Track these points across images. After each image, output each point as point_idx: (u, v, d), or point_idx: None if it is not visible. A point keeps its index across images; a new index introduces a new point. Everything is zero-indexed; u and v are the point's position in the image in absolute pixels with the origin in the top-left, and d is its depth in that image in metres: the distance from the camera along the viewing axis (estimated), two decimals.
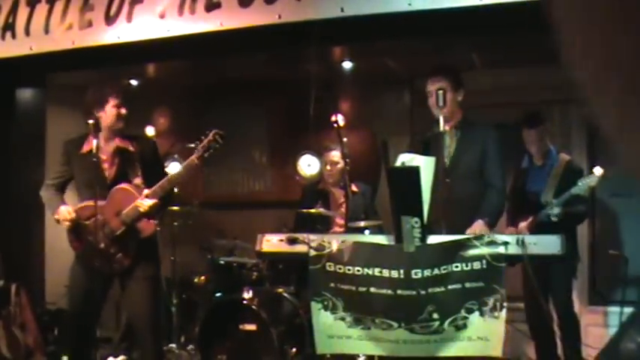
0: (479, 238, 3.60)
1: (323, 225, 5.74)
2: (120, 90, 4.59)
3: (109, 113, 4.50)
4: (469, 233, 3.94)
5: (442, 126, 4.14)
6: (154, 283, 4.64)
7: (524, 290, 5.31)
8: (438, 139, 4.20)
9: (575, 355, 5.20)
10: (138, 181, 4.51)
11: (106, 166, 4.53)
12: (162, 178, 4.50)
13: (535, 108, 5.69)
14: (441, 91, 4.14)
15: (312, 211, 5.66)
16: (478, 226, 4.04)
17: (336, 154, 5.81)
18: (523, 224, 5.25)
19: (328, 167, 6.00)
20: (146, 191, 4.41)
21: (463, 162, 4.36)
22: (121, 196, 4.46)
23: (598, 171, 4.97)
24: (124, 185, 4.47)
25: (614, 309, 5.86)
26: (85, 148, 4.53)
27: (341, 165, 5.73)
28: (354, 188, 5.53)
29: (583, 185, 4.99)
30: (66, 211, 4.48)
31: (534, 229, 5.14)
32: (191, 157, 4.42)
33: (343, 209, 5.85)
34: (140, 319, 4.62)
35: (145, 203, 4.38)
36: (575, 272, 5.54)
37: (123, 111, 4.52)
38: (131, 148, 4.57)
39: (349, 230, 5.14)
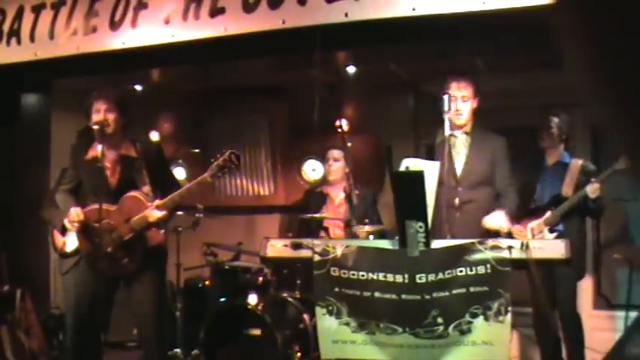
0: (483, 242, 3.60)
1: (320, 227, 5.75)
2: (103, 95, 4.57)
3: (92, 119, 4.52)
4: (488, 222, 4.05)
5: (450, 130, 4.20)
6: (159, 289, 4.67)
7: (531, 295, 5.30)
8: (447, 143, 4.24)
9: (580, 359, 5.19)
10: (146, 189, 4.53)
11: (109, 173, 4.56)
12: (169, 181, 4.53)
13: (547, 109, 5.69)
14: (465, 97, 4.39)
15: (317, 216, 5.67)
16: (498, 215, 4.12)
17: (337, 152, 5.86)
18: (538, 222, 5.24)
19: (330, 162, 6.02)
20: (157, 202, 4.43)
21: (474, 168, 4.45)
22: (132, 203, 4.49)
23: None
24: (135, 193, 4.50)
25: (619, 313, 5.85)
26: (90, 155, 4.57)
27: (342, 162, 5.78)
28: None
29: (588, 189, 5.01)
30: (75, 213, 4.52)
31: (555, 222, 5.17)
32: (204, 174, 4.43)
33: (341, 211, 5.87)
34: (144, 324, 4.64)
35: (154, 214, 4.41)
36: (583, 274, 5.54)
37: (102, 116, 4.51)
38: (134, 154, 4.59)
39: (352, 235, 5.15)
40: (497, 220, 4.15)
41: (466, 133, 4.54)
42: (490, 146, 4.54)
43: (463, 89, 4.47)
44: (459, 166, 4.45)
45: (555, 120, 5.40)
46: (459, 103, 4.45)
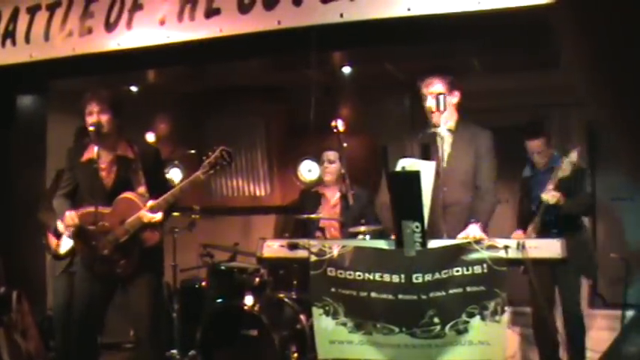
0: (479, 242, 3.60)
1: (317, 228, 5.75)
2: (96, 97, 4.57)
3: (86, 121, 4.53)
4: (464, 237, 3.93)
5: (436, 128, 4.15)
6: (155, 291, 4.67)
7: (530, 297, 5.31)
8: (431, 141, 4.21)
9: (579, 358, 5.19)
10: (142, 189, 4.53)
11: (104, 174, 4.55)
12: (164, 185, 4.53)
13: (535, 115, 5.68)
14: (440, 96, 4.17)
15: (313, 216, 5.67)
16: (473, 230, 4.00)
17: (332, 153, 5.89)
18: (530, 227, 5.24)
19: (325, 164, 6.03)
20: (150, 202, 4.43)
21: (458, 165, 4.34)
22: (126, 205, 4.48)
23: (574, 153, 4.97)
24: (128, 194, 4.50)
25: (616, 312, 5.85)
26: (85, 157, 4.57)
27: (337, 164, 5.81)
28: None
29: (565, 165, 4.98)
30: (70, 217, 4.51)
31: (540, 229, 5.15)
32: (197, 173, 4.44)
33: (336, 211, 5.88)
34: (140, 325, 4.64)
35: (148, 215, 4.40)
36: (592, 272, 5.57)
37: (95, 118, 4.51)
38: (130, 155, 4.59)
39: (349, 235, 5.15)
40: (473, 234, 3.99)
41: (449, 130, 4.38)
42: (474, 141, 4.36)
43: (431, 86, 4.30)
44: (442, 165, 4.26)
45: (542, 139, 5.40)
46: (430, 100, 4.26)
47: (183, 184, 4.54)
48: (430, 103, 4.25)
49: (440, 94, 4.20)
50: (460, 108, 4.47)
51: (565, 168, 5.00)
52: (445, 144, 4.35)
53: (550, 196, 5.06)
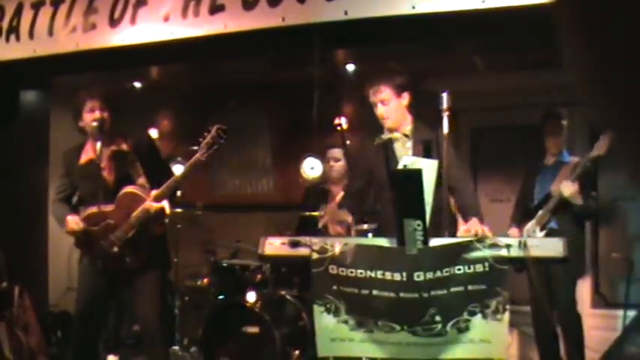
0: (481, 240, 3.60)
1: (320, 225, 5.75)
2: (96, 94, 4.57)
3: (85, 119, 4.52)
4: (466, 232, 3.89)
5: (392, 133, 4.13)
6: (162, 284, 4.68)
7: (530, 294, 5.30)
8: (386, 147, 4.18)
9: (579, 358, 5.19)
10: (142, 180, 4.53)
11: (105, 173, 4.54)
12: (164, 172, 4.53)
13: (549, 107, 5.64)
14: (388, 101, 4.16)
15: (315, 213, 5.67)
16: (474, 224, 3.95)
17: (337, 151, 5.88)
18: (532, 222, 5.21)
19: (331, 163, 6.03)
20: (154, 192, 4.43)
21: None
22: (130, 199, 4.47)
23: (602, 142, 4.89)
24: (130, 188, 4.49)
25: (617, 312, 5.85)
26: (83, 159, 4.56)
27: (342, 162, 5.80)
28: None
29: (602, 144, 4.88)
30: (73, 222, 4.49)
31: (546, 223, 5.12)
32: (196, 155, 4.42)
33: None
34: (150, 322, 4.62)
35: (154, 205, 4.40)
36: (582, 272, 5.54)
37: (98, 114, 4.51)
38: (125, 148, 4.58)
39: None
40: (474, 228, 3.94)
41: (405, 135, 4.28)
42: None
43: (379, 93, 4.22)
44: None
45: (563, 122, 5.38)
46: (380, 108, 4.22)
47: (184, 169, 4.54)
48: (380, 110, 4.22)
49: (385, 99, 4.18)
50: (412, 109, 4.34)
51: (601, 146, 4.88)
52: (401, 149, 4.27)
53: (567, 188, 5.01)
